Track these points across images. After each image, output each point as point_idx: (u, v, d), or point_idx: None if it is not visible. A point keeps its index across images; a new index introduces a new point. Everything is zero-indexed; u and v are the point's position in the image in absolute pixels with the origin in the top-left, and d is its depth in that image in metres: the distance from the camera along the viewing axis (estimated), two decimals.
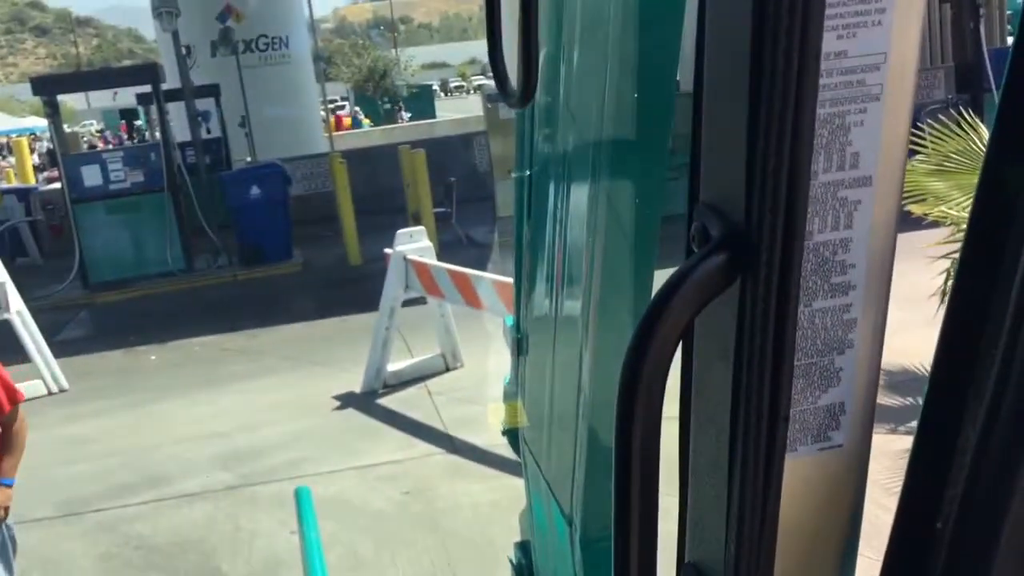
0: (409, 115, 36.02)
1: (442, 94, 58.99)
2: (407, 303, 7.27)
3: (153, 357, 8.92)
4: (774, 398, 0.77)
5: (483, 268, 6.85)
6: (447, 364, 7.44)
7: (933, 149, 5.07)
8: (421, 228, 7.56)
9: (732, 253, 0.72)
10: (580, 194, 1.44)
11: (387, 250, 7.18)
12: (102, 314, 11.00)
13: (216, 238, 11.91)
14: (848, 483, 0.86)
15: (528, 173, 1.87)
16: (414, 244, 7.07)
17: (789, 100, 0.67)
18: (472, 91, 54.28)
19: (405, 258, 6.99)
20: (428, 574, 4.92)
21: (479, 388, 7.47)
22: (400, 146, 13.11)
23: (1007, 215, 0.74)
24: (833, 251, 0.75)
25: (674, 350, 0.74)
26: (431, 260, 6.95)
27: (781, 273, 0.70)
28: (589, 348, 1.28)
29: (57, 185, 13.27)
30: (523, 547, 2.35)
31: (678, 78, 1.27)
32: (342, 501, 5.69)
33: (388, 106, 38.31)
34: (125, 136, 15.08)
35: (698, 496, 0.93)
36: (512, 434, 2.32)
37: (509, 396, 2.34)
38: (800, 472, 0.84)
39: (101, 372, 8.60)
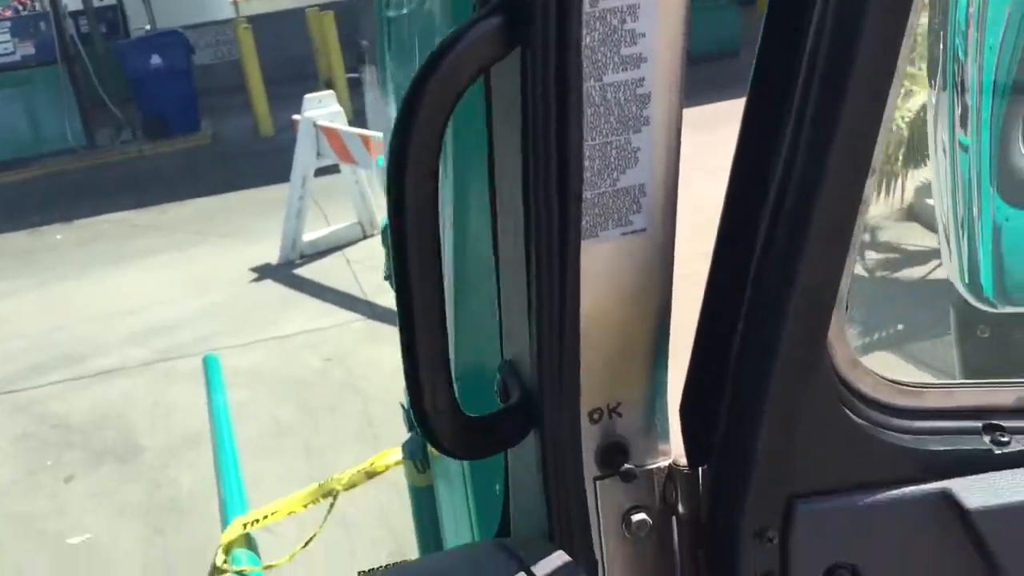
0: None
1: None
2: (321, 171, 7.11)
3: (59, 236, 8.63)
4: (563, 176, 0.75)
5: None
6: (364, 231, 7.36)
7: None
8: (331, 92, 7.33)
9: (508, 17, 0.69)
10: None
11: (295, 116, 6.97)
12: (0, 195, 10.55)
13: (118, 111, 11.42)
14: (655, 270, 0.85)
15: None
16: (324, 109, 6.87)
17: None
18: None
19: (315, 124, 6.80)
20: (351, 437, 4.99)
21: None
22: (308, 9, 12.59)
23: None
24: (621, 19, 0.72)
25: (446, 115, 0.72)
26: (342, 125, 6.77)
27: (561, 41, 0.67)
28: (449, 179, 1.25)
29: None
30: None
31: None
32: (262, 371, 5.68)
33: None
34: (22, 8, 14.16)
35: (506, 293, 0.92)
36: (391, 280, 2.30)
37: (386, 239, 2.32)
38: (603, 259, 0.83)
39: (4, 253, 8.30)
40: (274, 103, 11.15)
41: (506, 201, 0.87)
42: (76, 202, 9.55)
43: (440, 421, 0.84)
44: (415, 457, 2.36)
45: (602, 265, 0.86)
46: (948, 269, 1.22)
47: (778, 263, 0.82)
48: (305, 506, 2.74)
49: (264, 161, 9.96)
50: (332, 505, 2.59)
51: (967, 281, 1.19)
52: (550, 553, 0.85)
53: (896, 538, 0.88)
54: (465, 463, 1.89)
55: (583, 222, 0.81)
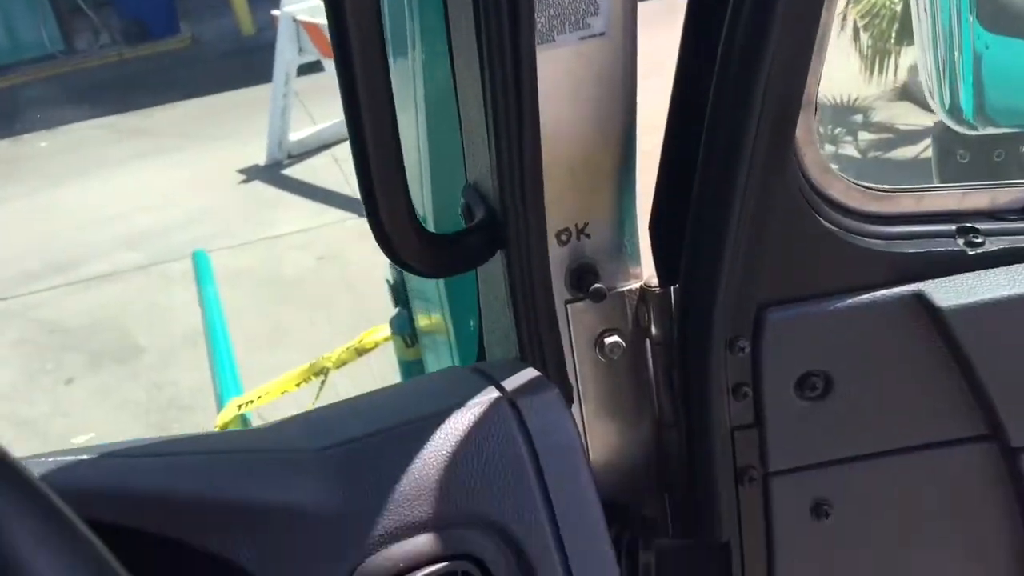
0: None
1: None
2: (304, 69, 6.96)
3: (43, 144, 8.51)
4: None
5: None
6: None
7: None
8: None
9: None
10: None
11: (274, 12, 6.78)
12: None
13: (94, 16, 11.14)
14: (616, 79, 0.83)
15: None
16: (304, 3, 6.67)
17: None
18: None
19: (295, 19, 6.62)
20: (347, 333, 5.01)
21: None
22: None
23: None
24: None
25: None
26: (323, 20, 6.60)
27: None
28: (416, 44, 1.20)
29: None
30: (395, 267, 2.37)
31: None
32: (255, 272, 5.67)
33: None
34: None
35: (466, 111, 0.90)
36: None
37: None
38: (562, 67, 0.80)
39: None
40: (253, 1, 10.88)
41: (459, 11, 0.84)
42: (59, 109, 9.39)
43: (401, 237, 0.83)
44: (403, 332, 2.37)
45: (561, 75, 0.83)
46: (930, 98, 1.20)
47: (742, 62, 0.80)
48: (298, 385, 2.76)
49: (247, 61, 9.76)
50: (323, 383, 2.61)
51: (948, 107, 1.17)
52: (521, 370, 0.85)
53: (869, 343, 0.87)
54: (451, 325, 1.89)
55: (537, 24, 0.78)
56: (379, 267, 5.79)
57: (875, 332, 0.87)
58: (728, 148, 0.82)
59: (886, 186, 0.89)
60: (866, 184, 0.88)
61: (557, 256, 0.91)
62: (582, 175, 0.89)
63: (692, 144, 0.87)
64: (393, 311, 2.52)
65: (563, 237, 0.91)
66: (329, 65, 6.92)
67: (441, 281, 1.84)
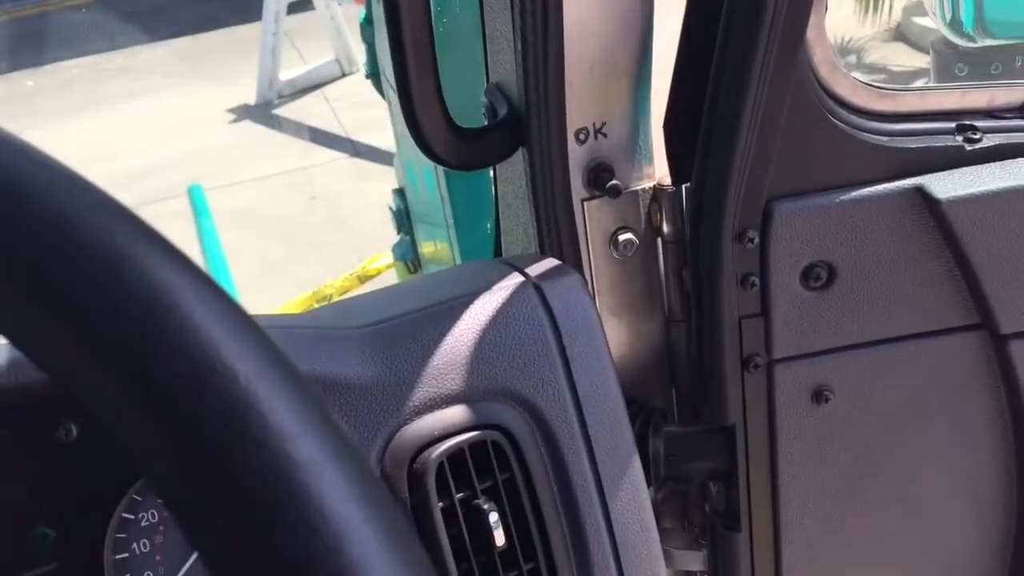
0: None
1: None
2: (294, 8, 6.90)
3: (30, 83, 8.42)
4: None
5: None
6: (342, 69, 7.21)
7: None
8: None
9: None
10: None
11: None
12: None
13: None
14: None
15: None
16: None
17: None
18: None
19: None
20: (339, 270, 5.06)
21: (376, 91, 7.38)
22: None
23: None
24: None
25: None
26: None
27: None
28: None
29: None
30: (399, 193, 2.40)
31: None
32: (248, 211, 5.68)
33: None
34: None
35: (490, 15, 0.94)
36: (376, 76, 2.30)
37: (367, 36, 2.29)
38: None
39: None
40: None
41: None
42: (44, 47, 9.27)
43: (433, 130, 0.87)
44: (406, 258, 2.42)
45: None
46: (931, 11, 1.23)
47: None
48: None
49: None
50: None
51: (949, 21, 1.21)
52: (542, 260, 0.90)
53: (871, 234, 0.92)
54: (457, 247, 1.94)
55: None
56: (370, 208, 5.81)
57: (877, 224, 0.92)
58: (742, 47, 0.86)
59: (890, 85, 0.93)
60: (872, 83, 0.93)
61: (575, 155, 0.95)
62: (600, 75, 0.92)
63: (707, 46, 0.91)
64: (394, 239, 2.56)
65: (581, 136, 0.95)
66: (320, 4, 6.87)
67: (447, 203, 1.88)
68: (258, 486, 0.28)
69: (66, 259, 0.29)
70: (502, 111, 0.95)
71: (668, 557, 1.08)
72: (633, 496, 0.84)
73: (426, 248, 2.29)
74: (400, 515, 0.31)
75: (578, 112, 0.93)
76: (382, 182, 5.89)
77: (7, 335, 0.30)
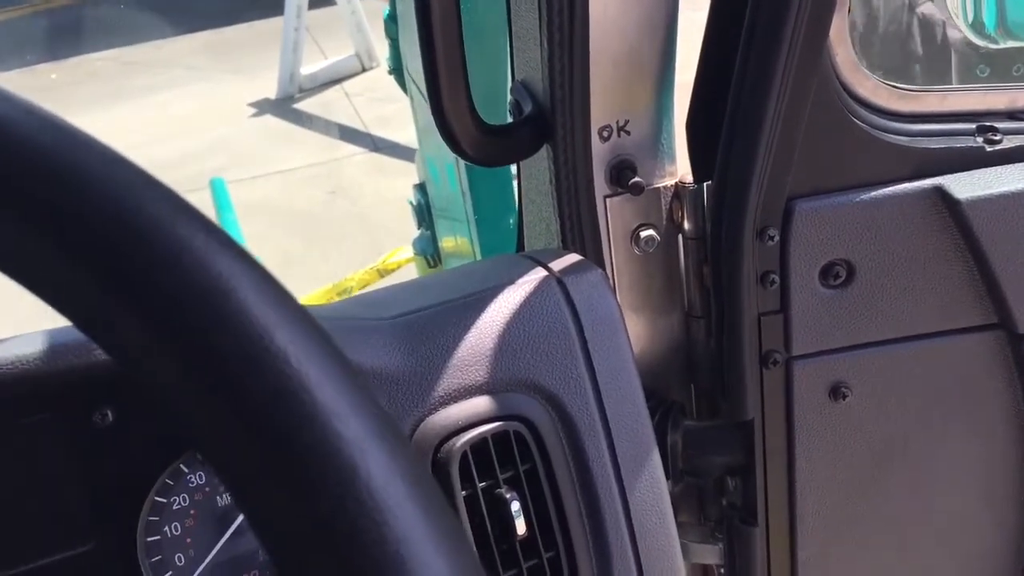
0: None
1: None
2: (316, 3, 6.93)
3: (54, 76, 8.50)
4: None
5: None
6: (363, 64, 7.24)
7: None
8: None
9: None
10: None
11: None
12: None
13: None
14: None
15: None
16: None
17: None
18: None
19: None
20: (358, 264, 5.08)
21: (397, 87, 7.37)
22: None
23: None
24: None
25: None
26: None
27: None
28: None
29: None
30: (421, 188, 2.42)
31: None
32: (267, 204, 5.71)
33: None
34: None
35: (517, 13, 0.95)
36: (398, 71, 2.32)
37: (391, 32, 2.31)
38: None
39: None
40: None
41: None
42: (67, 40, 9.35)
43: (460, 126, 0.89)
44: (426, 253, 2.43)
45: None
46: (952, 14, 1.24)
47: None
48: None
49: None
50: None
51: (971, 22, 1.21)
52: (565, 255, 0.91)
53: (890, 233, 0.93)
54: (477, 243, 1.95)
55: None
56: (389, 202, 5.84)
57: (897, 223, 0.93)
58: (766, 47, 0.87)
59: (912, 86, 0.94)
60: (893, 83, 0.94)
61: (598, 152, 0.97)
62: (625, 73, 0.94)
63: (730, 45, 0.92)
64: (413, 234, 2.58)
65: (604, 133, 0.97)
66: None
67: (469, 199, 1.90)
68: (308, 460, 0.30)
69: (134, 248, 0.31)
70: (527, 108, 0.97)
71: (684, 550, 1.10)
72: (652, 488, 0.86)
73: (446, 243, 2.30)
74: (438, 493, 0.32)
75: (602, 109, 0.95)
76: (401, 177, 5.91)
77: (76, 319, 0.32)
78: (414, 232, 2.60)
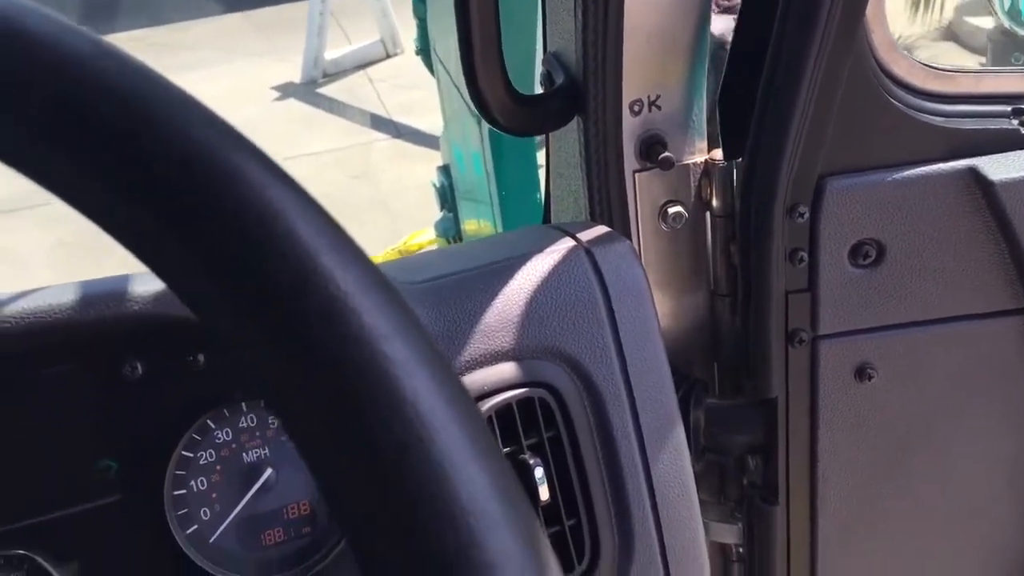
0: None
1: None
2: None
3: None
4: None
5: None
6: (387, 50, 7.24)
7: None
8: None
9: None
10: None
11: None
12: None
13: None
14: None
15: None
16: None
17: None
18: None
19: None
20: (379, 248, 5.09)
21: (421, 73, 7.37)
22: None
23: None
24: None
25: None
26: None
27: None
28: None
29: None
30: (444, 170, 2.42)
31: None
32: None
33: None
34: None
35: None
36: (426, 52, 2.32)
37: (419, 12, 2.31)
38: None
39: None
40: None
41: None
42: (91, 20, 9.39)
43: (493, 94, 0.89)
44: (448, 235, 2.44)
45: None
46: (989, 1, 1.23)
47: None
48: None
49: None
50: None
51: (1007, 9, 1.21)
52: (594, 227, 0.91)
53: (922, 213, 0.93)
54: (500, 224, 1.95)
55: None
56: (410, 188, 5.84)
57: (929, 204, 0.93)
58: (802, 24, 0.87)
59: (947, 66, 0.94)
60: (929, 63, 0.93)
61: (628, 126, 0.97)
62: (658, 47, 0.94)
63: (765, 22, 0.91)
64: (433, 219, 2.58)
65: (635, 108, 0.96)
66: None
67: (492, 179, 1.90)
68: (356, 380, 0.30)
69: (186, 174, 0.31)
70: (559, 79, 0.96)
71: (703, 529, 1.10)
72: (675, 459, 0.86)
73: (468, 225, 2.30)
74: (479, 414, 0.33)
75: (634, 83, 0.95)
76: (423, 164, 5.92)
77: (130, 245, 0.33)
78: (433, 218, 2.60)
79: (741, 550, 1.12)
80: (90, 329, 0.72)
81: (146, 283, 0.75)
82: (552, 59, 0.98)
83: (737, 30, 0.96)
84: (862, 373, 0.98)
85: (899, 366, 0.98)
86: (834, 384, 0.99)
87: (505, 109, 0.90)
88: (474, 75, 0.87)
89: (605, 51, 0.91)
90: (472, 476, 0.29)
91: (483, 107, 0.89)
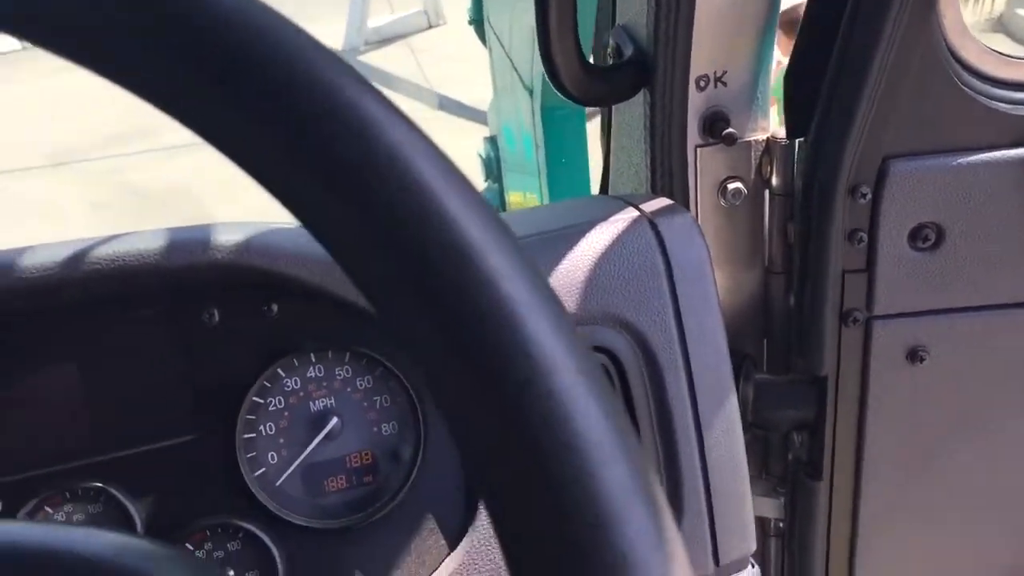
0: None
1: None
2: None
3: None
4: None
5: None
6: (429, 21, 7.26)
7: None
8: None
9: None
10: None
11: None
12: None
13: None
14: None
15: None
16: None
17: None
18: None
19: None
20: None
21: (463, 45, 7.38)
22: None
23: None
24: None
25: None
26: None
27: None
28: None
29: None
30: (491, 141, 2.44)
31: None
32: None
33: None
34: None
35: None
36: (478, 23, 2.33)
37: None
38: None
39: None
40: None
41: None
42: None
43: (565, 64, 0.90)
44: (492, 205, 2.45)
45: None
46: None
47: None
48: None
49: None
50: None
51: None
52: (656, 199, 0.93)
53: (984, 199, 0.93)
54: (544, 190, 1.97)
55: None
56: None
57: (991, 189, 0.93)
58: (876, 6, 0.87)
59: (1018, 55, 0.94)
60: (999, 51, 0.93)
61: (694, 101, 0.98)
62: (728, 23, 0.94)
63: (836, 3, 0.92)
64: (479, 188, 2.60)
65: (702, 83, 0.97)
66: None
67: (542, 152, 1.91)
68: (481, 317, 0.32)
69: (325, 119, 0.33)
70: (627, 52, 0.98)
71: None
72: (728, 431, 0.87)
73: (513, 197, 2.32)
74: (593, 354, 0.35)
75: (702, 59, 0.96)
76: (464, 137, 5.94)
77: (267, 183, 0.35)
78: (480, 187, 2.62)
79: (781, 525, 1.13)
80: (175, 276, 0.75)
81: (226, 232, 0.78)
82: (622, 32, 0.99)
83: (807, 9, 0.97)
84: (914, 355, 0.99)
85: (952, 350, 0.99)
86: (885, 365, 1.00)
87: (576, 79, 0.91)
88: (549, 44, 0.88)
89: (676, 26, 0.92)
90: (591, 411, 0.31)
91: (555, 76, 0.91)
